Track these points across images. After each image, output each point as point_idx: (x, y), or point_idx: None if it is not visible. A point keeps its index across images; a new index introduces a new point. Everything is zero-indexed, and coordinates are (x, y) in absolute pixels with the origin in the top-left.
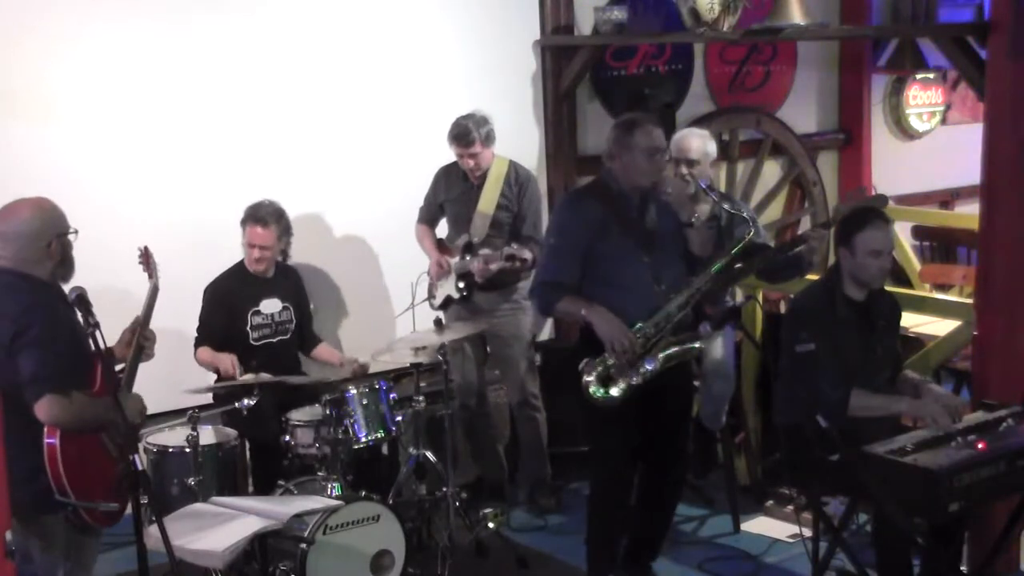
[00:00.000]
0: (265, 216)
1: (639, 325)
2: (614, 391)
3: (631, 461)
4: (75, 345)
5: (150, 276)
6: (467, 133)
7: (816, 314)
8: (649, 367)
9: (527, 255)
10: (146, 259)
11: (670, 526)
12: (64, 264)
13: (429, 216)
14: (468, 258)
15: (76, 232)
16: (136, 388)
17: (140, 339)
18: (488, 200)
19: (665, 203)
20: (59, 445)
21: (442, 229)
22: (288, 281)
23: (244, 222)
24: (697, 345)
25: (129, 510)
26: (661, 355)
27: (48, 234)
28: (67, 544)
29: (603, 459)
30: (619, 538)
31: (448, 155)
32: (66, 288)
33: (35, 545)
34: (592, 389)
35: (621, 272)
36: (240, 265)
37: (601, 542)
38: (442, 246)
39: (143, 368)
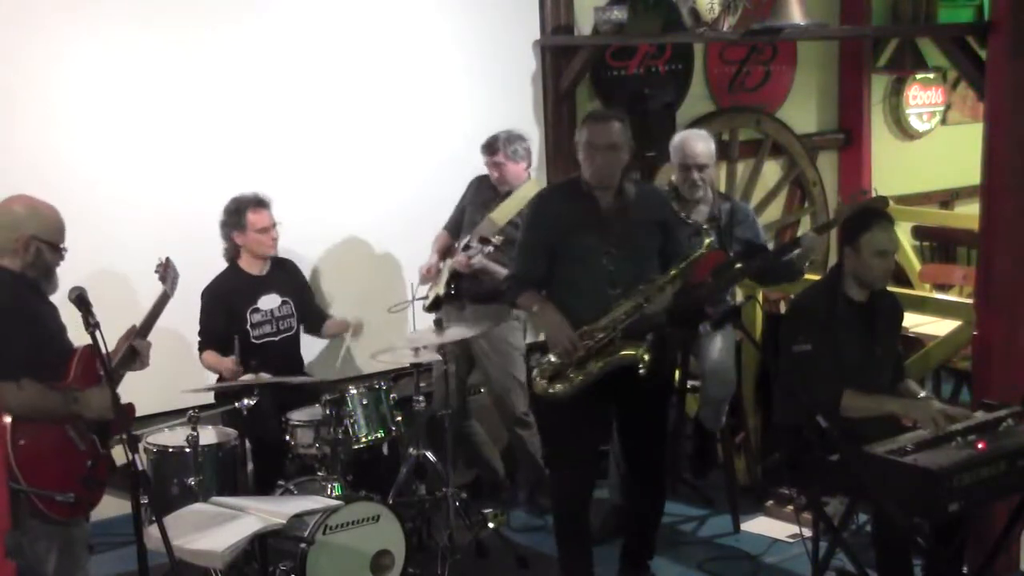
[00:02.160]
0: (262, 198)
1: (584, 328)
2: (556, 388)
3: (585, 469)
4: (39, 337)
5: (164, 285)
6: (493, 142)
7: (815, 315)
8: (590, 369)
9: (497, 240)
10: (164, 269)
11: (659, 525)
12: (34, 268)
13: (452, 223)
14: (460, 255)
15: (66, 250)
16: (137, 388)
17: (134, 344)
18: (504, 212)
19: (644, 204)
20: (10, 430)
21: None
22: (284, 274)
23: (241, 214)
24: (641, 352)
25: (123, 511)
26: (601, 361)
27: (22, 230)
28: (48, 534)
29: (555, 467)
30: (587, 543)
31: (452, 152)
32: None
33: (22, 537)
34: (536, 384)
35: (579, 271)
36: (234, 266)
37: (563, 542)
38: (450, 251)
39: (145, 369)
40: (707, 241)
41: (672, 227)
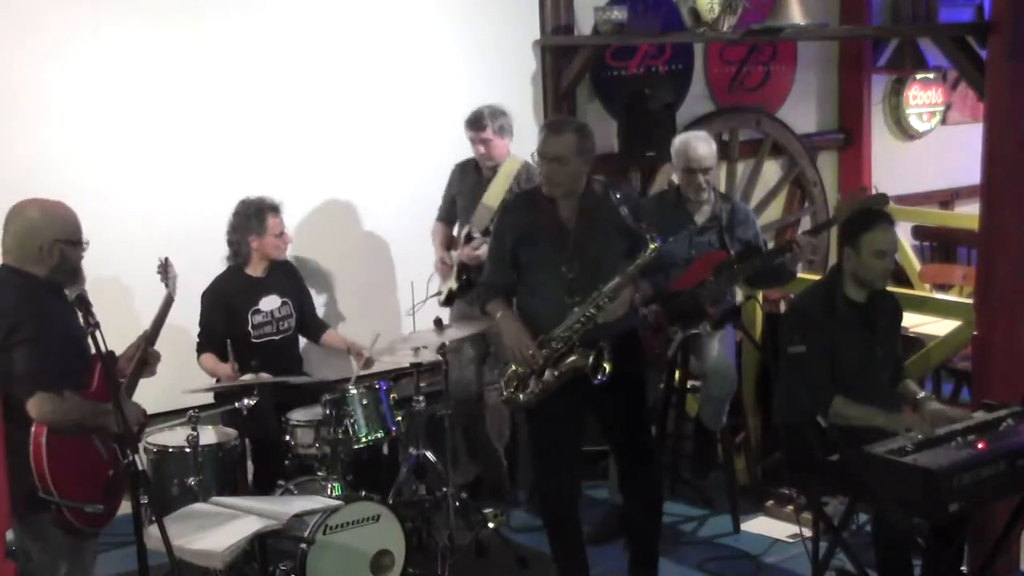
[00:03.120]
0: (276, 204)
1: (542, 336)
2: (521, 396)
3: (568, 472)
4: (70, 344)
5: (167, 286)
6: (480, 118)
7: (811, 316)
8: (547, 378)
9: None
10: (164, 270)
11: (659, 528)
12: (61, 270)
13: (444, 213)
14: (465, 248)
15: (87, 243)
16: (138, 388)
17: (144, 353)
18: (494, 193)
19: (607, 209)
20: (45, 442)
21: None
22: (285, 276)
23: (262, 218)
24: (591, 360)
25: (123, 511)
26: (556, 370)
27: (45, 235)
28: (63, 545)
29: (540, 471)
30: (580, 544)
31: (451, 152)
32: None
33: (33, 545)
34: (504, 393)
35: (539, 279)
36: (235, 268)
37: (556, 545)
38: (453, 242)
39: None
40: (652, 246)
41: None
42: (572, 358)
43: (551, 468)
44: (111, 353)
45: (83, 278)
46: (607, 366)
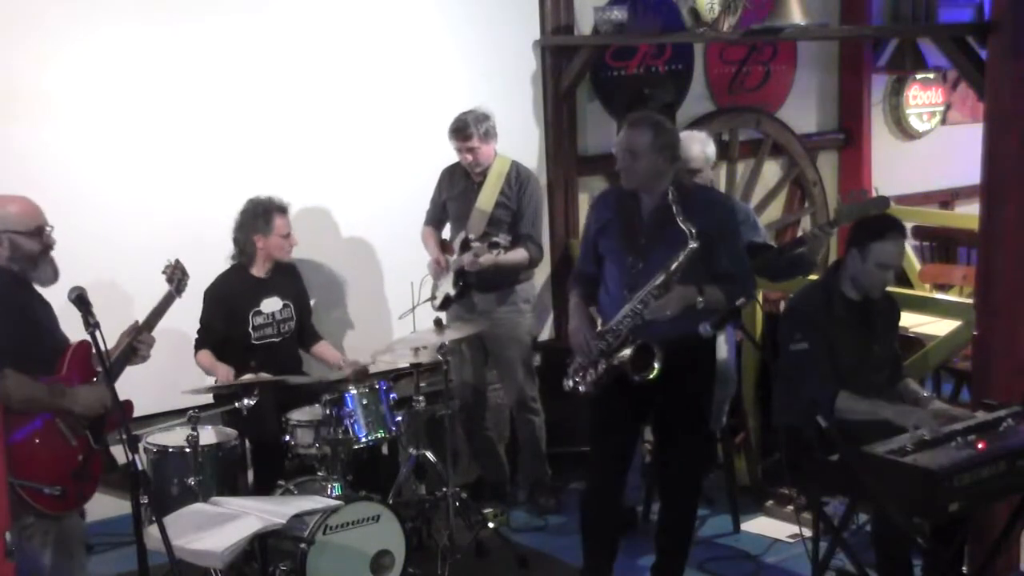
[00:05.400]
0: (284, 205)
1: (599, 329)
2: (580, 387)
3: (610, 468)
4: (26, 328)
5: (170, 285)
6: (465, 127)
7: (811, 314)
8: (598, 371)
9: (504, 241)
10: (172, 271)
11: (683, 546)
12: (17, 260)
13: (434, 217)
14: (464, 254)
15: (51, 228)
16: (137, 388)
17: (135, 341)
18: (487, 197)
19: (692, 213)
20: None
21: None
22: (287, 278)
23: (269, 218)
24: (628, 358)
25: (124, 511)
26: (605, 364)
27: None
28: (45, 530)
29: (589, 461)
30: (606, 543)
31: (450, 155)
32: (59, 287)
33: (17, 536)
34: (569, 383)
35: (609, 272)
36: (238, 267)
37: (585, 540)
38: (446, 245)
39: (144, 367)
40: (690, 245)
41: (717, 242)
42: (624, 352)
43: (595, 467)
44: (94, 346)
45: (51, 270)
46: (656, 366)
